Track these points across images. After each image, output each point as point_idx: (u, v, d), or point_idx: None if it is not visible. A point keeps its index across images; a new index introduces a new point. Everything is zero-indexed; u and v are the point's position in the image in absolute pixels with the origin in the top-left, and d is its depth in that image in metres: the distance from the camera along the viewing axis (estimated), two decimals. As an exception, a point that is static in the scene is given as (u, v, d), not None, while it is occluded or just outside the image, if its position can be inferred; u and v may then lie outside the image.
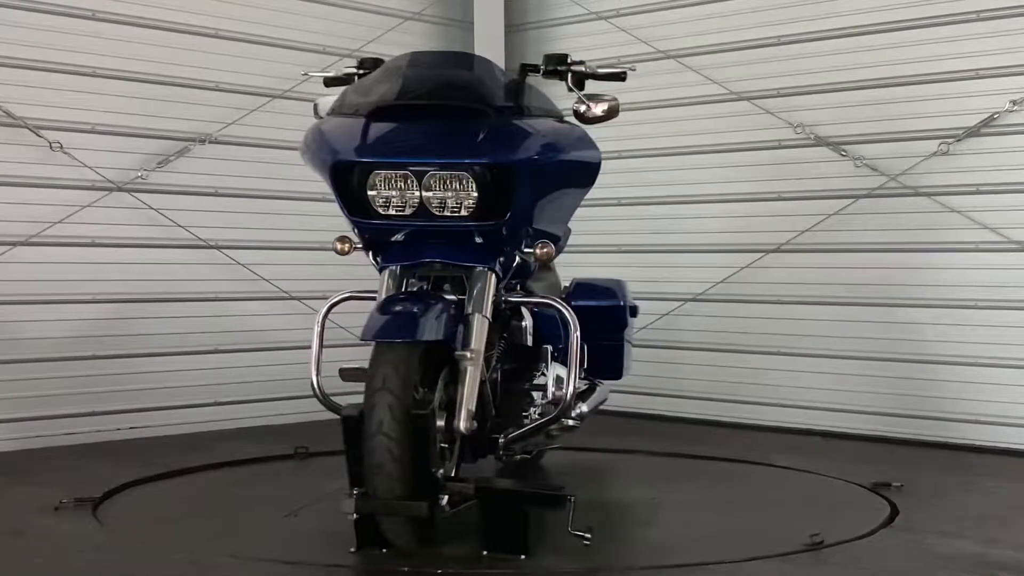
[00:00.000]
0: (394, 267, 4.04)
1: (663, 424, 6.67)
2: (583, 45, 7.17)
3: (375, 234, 4.06)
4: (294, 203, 6.83)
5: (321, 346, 4.25)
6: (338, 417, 3.83)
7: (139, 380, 6.22)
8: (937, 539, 4.06)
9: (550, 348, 4.51)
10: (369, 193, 3.94)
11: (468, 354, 3.79)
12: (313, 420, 6.33)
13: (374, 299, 4.08)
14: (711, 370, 6.80)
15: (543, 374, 4.49)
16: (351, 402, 3.84)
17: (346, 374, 3.95)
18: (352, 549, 3.77)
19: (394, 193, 3.92)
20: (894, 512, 4.43)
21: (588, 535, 3.73)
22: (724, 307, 6.76)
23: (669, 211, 6.95)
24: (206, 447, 5.81)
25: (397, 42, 7.16)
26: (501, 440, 4.20)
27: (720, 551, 3.86)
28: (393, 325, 3.74)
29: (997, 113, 5.84)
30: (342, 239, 4.17)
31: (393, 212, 3.94)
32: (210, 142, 6.50)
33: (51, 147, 5.92)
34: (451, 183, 3.88)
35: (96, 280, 6.09)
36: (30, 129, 5.86)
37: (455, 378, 3.83)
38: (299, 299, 6.69)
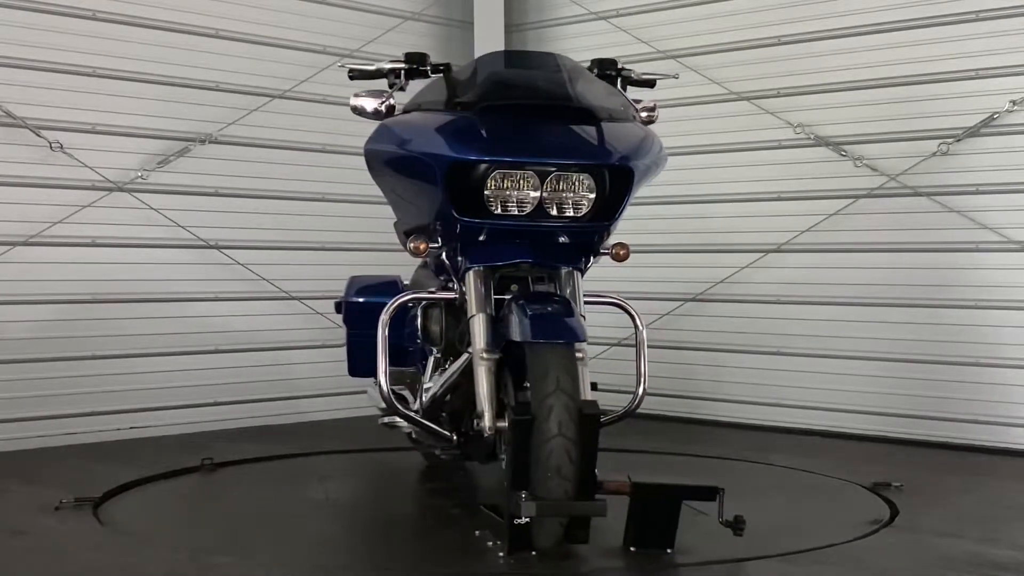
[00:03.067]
0: (480, 267, 4.00)
1: (663, 424, 6.66)
2: (583, 45, 7.17)
3: (479, 234, 3.95)
4: (294, 203, 6.83)
5: (386, 351, 4.13)
6: (382, 421, 4.05)
7: (139, 380, 6.22)
8: (937, 539, 4.06)
9: None
10: (486, 192, 3.87)
11: (579, 354, 3.79)
12: (313, 420, 6.36)
13: (436, 298, 4.17)
14: (711, 370, 6.80)
15: None
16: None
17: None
18: (502, 554, 3.72)
19: (514, 193, 3.88)
20: (894, 512, 4.43)
21: (742, 525, 3.76)
22: (724, 307, 6.77)
23: (669, 211, 6.94)
24: (206, 447, 5.80)
25: (397, 42, 7.16)
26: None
27: (720, 551, 3.86)
28: (553, 326, 3.73)
29: (997, 113, 5.84)
30: (417, 239, 4.07)
31: (511, 212, 3.89)
32: (210, 142, 6.50)
33: (51, 147, 5.92)
34: (574, 184, 3.89)
35: (96, 280, 6.09)
36: (30, 129, 5.86)
37: None
38: (299, 299, 6.69)
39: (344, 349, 5.33)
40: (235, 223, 6.60)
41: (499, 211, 3.87)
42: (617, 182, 3.93)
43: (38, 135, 5.89)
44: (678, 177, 6.92)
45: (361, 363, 5.14)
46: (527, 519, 3.60)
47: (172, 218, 6.33)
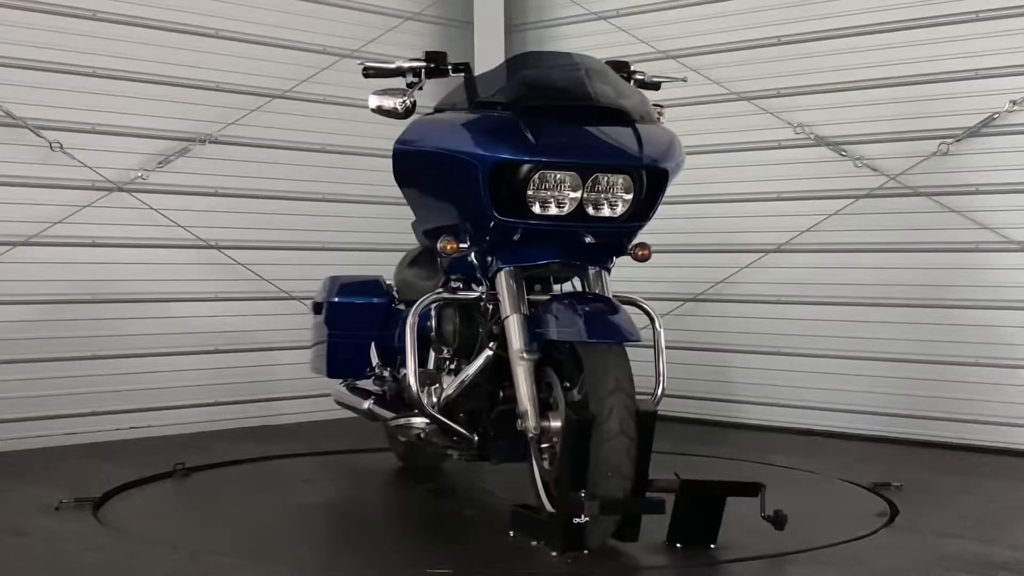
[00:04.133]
0: (511, 268, 4.01)
1: (663, 424, 6.61)
2: (583, 45, 7.15)
3: (514, 234, 3.95)
4: (294, 203, 6.83)
5: (415, 351, 4.13)
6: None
7: (139, 380, 6.22)
8: (937, 539, 4.06)
9: None
10: (528, 192, 3.87)
11: None
12: (314, 420, 6.36)
13: (461, 299, 4.17)
14: (711, 370, 6.79)
15: None
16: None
17: None
18: (555, 554, 3.71)
19: (555, 193, 3.88)
20: (894, 512, 4.43)
21: (785, 518, 3.80)
22: (724, 307, 6.76)
23: (670, 211, 6.84)
24: (206, 447, 5.81)
25: (397, 42, 7.17)
26: None
27: (721, 551, 3.87)
28: (610, 327, 3.77)
29: (997, 113, 5.84)
30: (447, 239, 4.07)
31: (552, 212, 3.89)
32: (210, 142, 6.50)
33: (51, 147, 5.92)
34: (613, 184, 3.92)
35: (96, 280, 6.09)
36: (30, 129, 5.86)
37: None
38: (299, 299, 6.69)
39: (314, 349, 5.33)
40: (235, 223, 6.60)
41: (539, 211, 3.88)
42: (652, 183, 3.99)
43: (38, 135, 5.89)
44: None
45: (341, 364, 5.19)
46: (586, 519, 3.60)
47: (172, 218, 6.33)
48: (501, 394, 4.13)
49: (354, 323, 5.12)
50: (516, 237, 3.96)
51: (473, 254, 4.11)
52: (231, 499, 4.86)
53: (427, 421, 4.21)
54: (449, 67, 4.20)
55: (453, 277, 4.41)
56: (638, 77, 4.44)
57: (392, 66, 4.23)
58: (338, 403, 5.36)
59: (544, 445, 3.88)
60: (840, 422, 6.31)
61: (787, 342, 6.55)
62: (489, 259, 4.07)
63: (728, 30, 6.76)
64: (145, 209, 6.25)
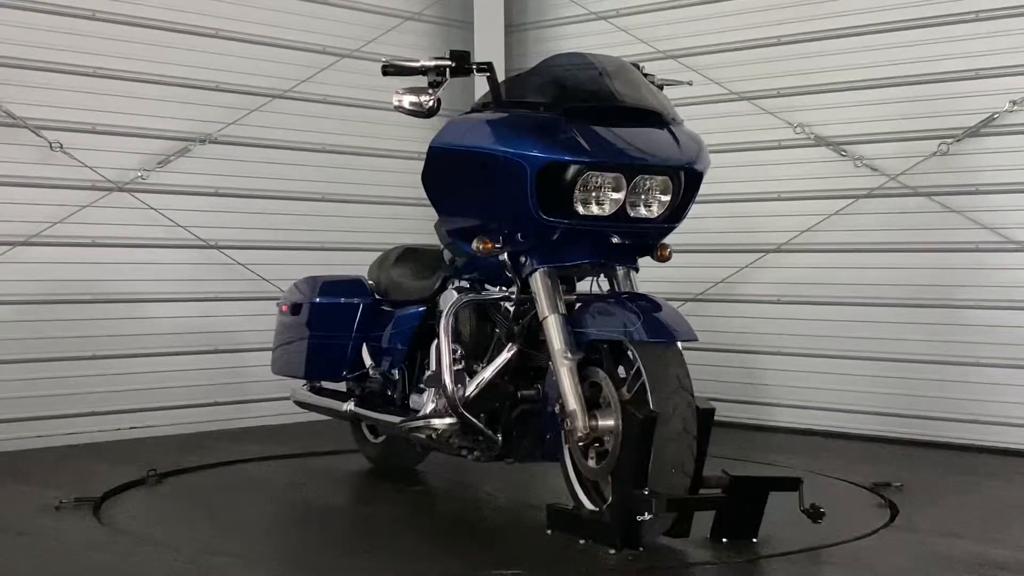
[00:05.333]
0: (548, 268, 4.02)
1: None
2: (583, 45, 7.13)
3: (554, 233, 3.96)
4: (294, 203, 6.83)
5: (451, 353, 4.17)
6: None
7: (139, 380, 6.22)
8: (937, 539, 4.06)
9: None
10: (575, 193, 3.88)
11: None
12: (312, 420, 6.33)
13: (493, 301, 4.18)
14: (711, 370, 6.78)
15: None
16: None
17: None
18: (612, 551, 3.72)
19: (599, 193, 3.91)
20: (894, 512, 4.43)
21: (822, 512, 3.86)
22: (724, 307, 6.76)
23: (669, 211, 6.93)
24: (206, 447, 5.81)
25: (397, 42, 7.18)
26: None
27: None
28: (668, 326, 3.83)
29: (997, 113, 5.84)
30: (483, 239, 4.07)
31: (594, 212, 3.92)
32: (210, 142, 6.50)
33: (51, 147, 5.92)
34: (657, 186, 3.98)
35: (96, 280, 6.09)
36: (30, 129, 5.86)
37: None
38: (299, 299, 6.69)
39: (280, 350, 5.29)
40: (235, 223, 6.61)
41: (582, 212, 3.90)
42: (687, 184, 4.05)
43: (38, 135, 5.89)
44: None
45: (321, 365, 5.14)
46: (650, 516, 3.63)
47: (172, 218, 6.33)
48: (520, 393, 4.17)
49: (337, 324, 5.07)
50: (555, 237, 3.98)
51: (506, 254, 4.12)
52: (231, 499, 4.86)
53: (451, 422, 4.20)
54: (473, 67, 4.18)
55: (467, 277, 4.41)
56: (649, 79, 4.42)
57: (416, 64, 4.17)
58: (300, 404, 5.36)
59: (588, 445, 3.87)
60: (840, 422, 6.31)
61: (787, 342, 6.55)
62: (523, 259, 4.08)
63: (728, 30, 6.75)
64: (145, 209, 6.25)
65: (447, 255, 4.54)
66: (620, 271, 4.14)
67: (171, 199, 6.34)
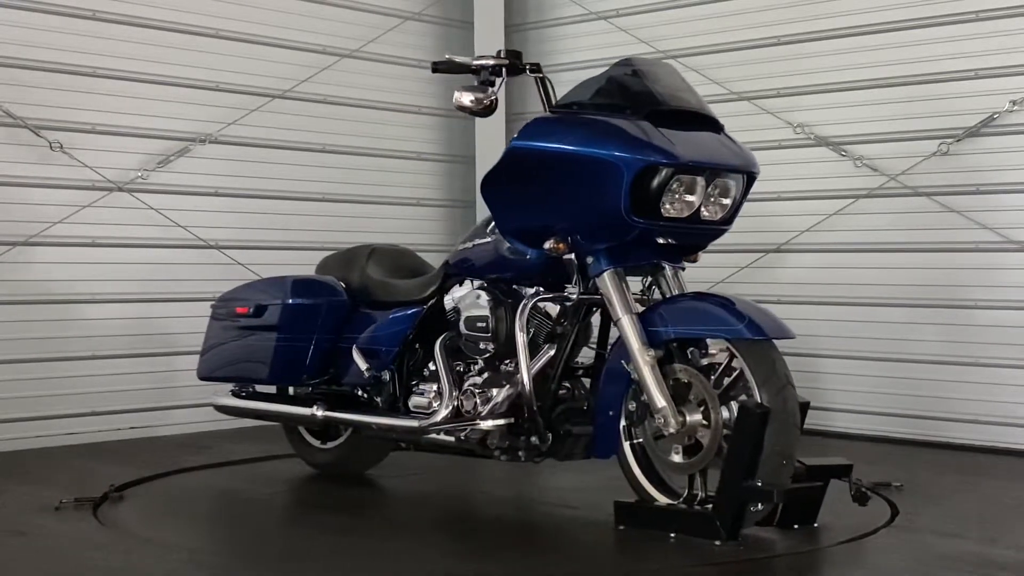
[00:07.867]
0: (616, 268, 4.08)
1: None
2: (583, 45, 7.18)
3: (631, 235, 4.01)
4: (294, 203, 6.83)
5: (527, 353, 4.17)
6: None
7: (139, 380, 6.23)
8: (937, 539, 4.06)
9: None
10: (665, 195, 3.95)
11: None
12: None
13: (562, 299, 4.22)
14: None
15: None
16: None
17: None
18: (718, 543, 3.80)
19: (682, 196, 4.00)
20: (894, 512, 4.43)
21: (867, 496, 4.05)
22: (724, 307, 6.75)
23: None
24: (206, 447, 5.81)
25: (397, 42, 7.18)
26: None
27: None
28: (771, 324, 4.01)
29: (997, 113, 5.84)
30: (557, 239, 4.10)
31: (672, 214, 4.00)
32: (210, 142, 6.50)
33: (51, 147, 5.92)
34: (725, 188, 4.10)
35: (96, 280, 6.09)
36: (30, 129, 5.87)
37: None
38: (299, 299, 6.68)
39: (214, 352, 5.13)
40: (235, 223, 6.61)
41: (665, 214, 3.99)
42: (746, 187, 4.19)
43: (38, 135, 5.89)
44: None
45: (287, 369, 4.94)
46: (761, 507, 3.82)
47: (172, 218, 6.33)
48: (560, 393, 4.25)
49: (309, 326, 4.91)
50: (630, 238, 4.02)
51: (573, 255, 4.16)
52: (231, 499, 4.86)
53: (503, 423, 4.20)
54: (526, 67, 4.24)
55: (492, 277, 4.41)
56: None
57: (471, 63, 4.20)
58: (227, 411, 5.19)
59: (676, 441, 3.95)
60: (840, 422, 6.31)
61: (786, 342, 6.51)
62: (590, 259, 4.11)
63: (728, 30, 6.75)
64: (145, 209, 6.25)
65: (497, 250, 4.41)
66: (669, 270, 4.24)
67: (171, 199, 6.35)
